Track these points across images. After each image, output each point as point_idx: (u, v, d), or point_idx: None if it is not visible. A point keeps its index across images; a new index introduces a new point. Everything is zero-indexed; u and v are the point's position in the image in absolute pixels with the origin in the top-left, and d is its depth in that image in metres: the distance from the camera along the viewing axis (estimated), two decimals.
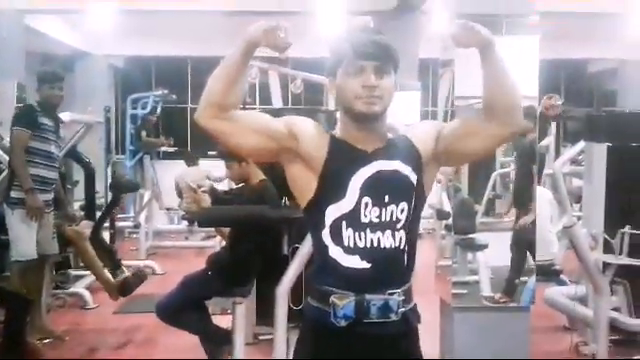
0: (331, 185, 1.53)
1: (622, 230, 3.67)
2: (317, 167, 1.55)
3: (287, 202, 3.89)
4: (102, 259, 4.46)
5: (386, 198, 1.53)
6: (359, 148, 1.57)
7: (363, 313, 1.50)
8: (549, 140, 7.58)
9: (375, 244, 1.51)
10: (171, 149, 9.28)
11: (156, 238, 7.94)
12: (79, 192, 6.43)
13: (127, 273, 4.43)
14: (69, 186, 6.06)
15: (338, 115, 1.72)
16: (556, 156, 6.67)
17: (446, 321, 3.65)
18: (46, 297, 4.29)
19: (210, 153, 8.09)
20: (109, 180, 8.08)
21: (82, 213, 5.73)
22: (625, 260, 3.61)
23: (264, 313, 4.00)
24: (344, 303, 1.49)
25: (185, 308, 3.52)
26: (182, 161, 8.35)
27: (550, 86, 11.26)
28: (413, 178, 1.57)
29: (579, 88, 12.13)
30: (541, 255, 4.16)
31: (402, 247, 1.53)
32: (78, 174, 6.45)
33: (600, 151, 4.05)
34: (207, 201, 3.84)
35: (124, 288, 4.27)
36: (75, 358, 4.04)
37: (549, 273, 4.55)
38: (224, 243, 3.96)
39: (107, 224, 6.17)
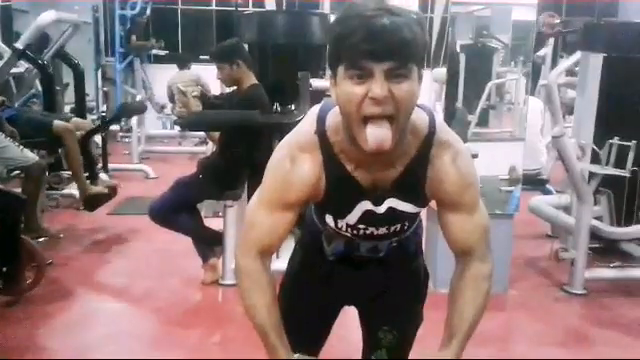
0: (331, 207, 1.40)
1: (610, 141, 3.70)
2: (319, 193, 1.34)
3: (278, 108, 3.88)
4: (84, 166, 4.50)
5: (386, 225, 1.41)
6: (360, 185, 1.31)
7: (353, 249, 1.49)
8: (546, 51, 7.48)
9: (368, 232, 1.42)
10: (162, 52, 9.09)
11: (149, 143, 7.94)
12: (69, 95, 6.37)
13: (100, 188, 4.50)
14: (58, 88, 5.98)
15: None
16: (552, 67, 6.60)
17: (431, 226, 3.74)
18: (40, 198, 4.34)
19: (202, 57, 7.94)
20: (99, 83, 8.02)
21: (72, 116, 5.70)
22: (610, 170, 3.66)
23: None
24: (336, 243, 1.50)
25: (177, 210, 3.59)
26: (173, 65, 8.20)
27: None
28: (416, 211, 1.40)
29: None
30: (529, 164, 4.22)
31: (396, 231, 1.43)
32: (68, 76, 6.37)
33: (596, 61, 4.01)
34: (198, 105, 3.81)
35: (91, 202, 4.36)
36: (66, 256, 4.15)
37: (535, 182, 4.62)
38: (215, 149, 3.98)
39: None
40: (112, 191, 4.72)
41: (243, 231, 1.39)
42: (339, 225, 1.42)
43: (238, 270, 1.39)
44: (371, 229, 1.41)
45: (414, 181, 1.31)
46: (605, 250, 3.98)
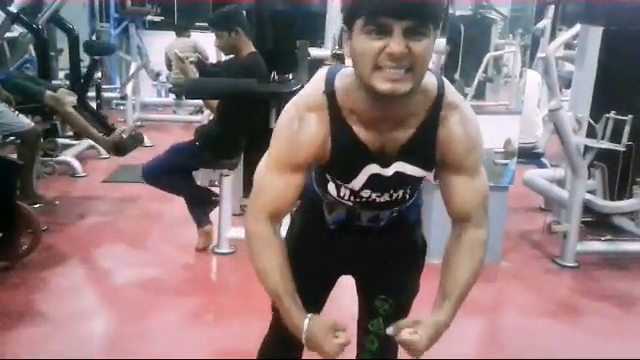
0: (336, 170, 1.38)
1: (607, 115, 3.70)
2: (325, 155, 1.32)
3: (276, 77, 3.85)
4: (93, 126, 4.45)
5: (391, 191, 1.40)
6: (368, 148, 1.30)
7: (354, 218, 1.48)
8: (545, 23, 7.43)
9: (370, 201, 1.42)
10: (157, 18, 8.98)
11: (143, 110, 7.89)
12: (64, 60, 6.31)
13: (124, 135, 4.43)
14: (53, 53, 5.92)
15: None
16: (551, 39, 6.55)
17: (427, 198, 3.76)
18: (35, 164, 4.33)
19: (198, 24, 7.85)
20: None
21: (67, 82, 5.66)
22: (606, 144, 3.68)
23: (251, 186, 4.08)
24: (337, 212, 1.49)
25: (171, 172, 3.56)
26: (169, 32, 8.11)
27: None
28: (422, 175, 1.39)
29: None
30: (525, 138, 4.22)
31: (398, 199, 1.43)
32: (62, 42, 6.29)
33: (595, 35, 3.99)
34: (195, 72, 3.78)
35: (120, 146, 4.27)
36: (61, 223, 4.16)
37: (531, 156, 4.64)
38: (212, 117, 3.96)
39: (93, 94, 6.13)
40: (138, 136, 4.66)
41: (251, 196, 1.38)
42: (341, 194, 1.42)
43: (248, 235, 1.37)
44: (375, 196, 1.39)
45: (424, 143, 1.30)
46: (597, 224, 4.02)
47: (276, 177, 1.33)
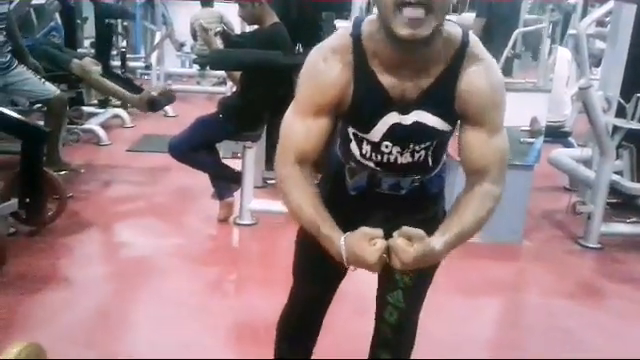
0: (356, 120, 1.40)
1: (638, 95, 3.62)
2: (347, 99, 1.33)
3: (301, 49, 3.82)
4: (123, 89, 4.45)
5: (410, 143, 1.39)
6: (388, 93, 1.30)
7: (375, 185, 1.48)
8: None
9: (392, 161, 1.41)
10: None
11: (168, 81, 7.90)
12: (89, 29, 6.33)
13: (154, 92, 4.42)
14: (79, 21, 5.94)
15: None
16: (583, 16, 6.39)
17: (451, 175, 3.72)
18: (61, 132, 4.37)
19: None
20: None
21: (92, 50, 5.68)
22: (635, 125, 3.60)
23: (273, 158, 4.09)
24: (358, 176, 1.48)
25: (196, 147, 3.60)
26: (194, 2, 8.07)
27: None
28: (444, 128, 1.36)
29: None
30: (552, 116, 4.15)
31: (421, 161, 1.42)
32: (87, 10, 6.31)
33: (629, 12, 3.88)
34: (220, 43, 3.77)
35: (153, 103, 4.24)
36: (86, 190, 4.22)
37: (558, 134, 4.56)
38: (235, 89, 3.96)
39: (119, 64, 6.16)
40: (169, 93, 4.62)
41: (279, 144, 1.38)
42: (363, 151, 1.42)
43: (278, 180, 1.38)
44: (396, 152, 1.39)
45: (444, 92, 1.30)
46: (623, 205, 3.96)
47: (301, 121, 1.34)
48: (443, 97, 1.30)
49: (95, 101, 5.73)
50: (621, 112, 3.73)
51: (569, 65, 4.79)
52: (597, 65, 5.74)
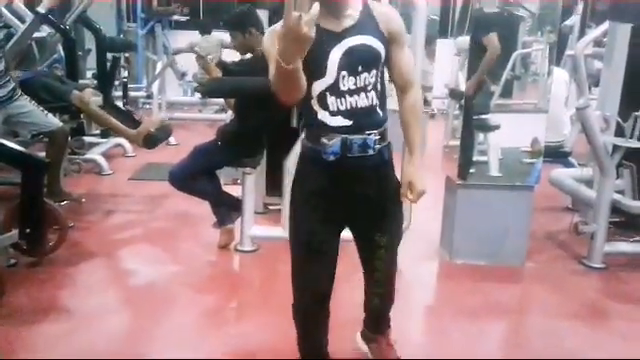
0: (313, 65, 1.76)
1: (636, 113, 3.62)
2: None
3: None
4: (121, 122, 4.47)
5: (359, 68, 1.82)
6: (330, 30, 1.80)
7: (347, 149, 1.86)
8: (574, 20, 7.30)
9: (354, 105, 1.84)
10: (183, 18, 9.04)
11: (169, 109, 7.95)
12: (91, 60, 6.39)
13: (151, 128, 4.42)
14: (80, 53, 6.00)
15: None
16: (580, 37, 6.44)
17: (450, 198, 3.73)
18: (62, 162, 4.39)
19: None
20: None
21: (94, 81, 5.73)
22: (634, 143, 3.60)
23: (274, 184, 4.10)
24: (332, 142, 1.85)
25: (196, 175, 3.61)
26: (195, 31, 8.18)
27: None
28: (380, 48, 1.86)
29: None
30: (552, 136, 4.15)
31: (374, 103, 1.87)
32: (89, 43, 6.38)
33: (624, 32, 3.91)
34: (218, 72, 3.80)
35: (149, 140, 4.28)
36: (87, 220, 4.22)
37: (558, 155, 4.56)
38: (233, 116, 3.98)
39: (120, 93, 6.21)
40: (167, 128, 4.64)
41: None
42: (330, 107, 1.83)
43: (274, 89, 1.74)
44: (351, 85, 1.81)
45: (369, 20, 1.86)
46: (626, 224, 3.94)
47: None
48: (369, 22, 1.85)
49: (97, 131, 5.76)
50: (620, 131, 3.73)
51: (566, 85, 4.81)
52: (596, 85, 5.76)
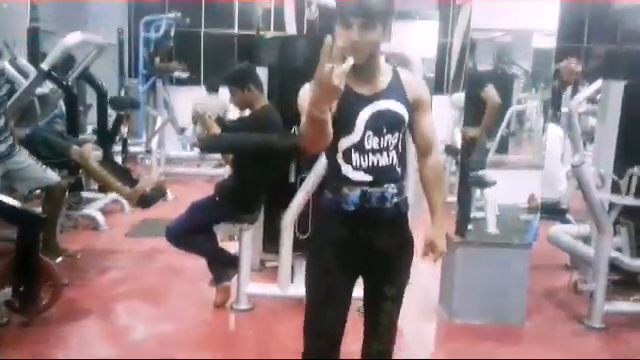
0: (343, 123, 1.91)
1: (631, 170, 3.64)
2: (333, 110, 1.82)
3: (297, 131, 3.89)
4: (118, 179, 4.50)
5: (384, 130, 1.96)
6: (361, 93, 1.95)
7: (366, 201, 1.97)
8: None
9: (375, 163, 1.97)
10: (184, 75, 9.20)
11: (168, 164, 8.00)
12: (92, 115, 6.47)
13: (147, 188, 4.44)
14: (81, 108, 6.08)
15: None
16: (573, 94, 6.55)
17: (448, 255, 3.70)
18: (59, 218, 4.38)
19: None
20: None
21: (95, 137, 5.78)
22: (630, 201, 3.60)
23: (271, 240, 4.08)
24: (352, 193, 1.97)
25: (193, 232, 3.60)
26: (195, 87, 8.30)
27: (574, 22, 10.99)
28: (404, 114, 1.99)
29: (603, 25, 11.77)
30: (548, 193, 4.17)
31: (394, 163, 2.00)
32: (91, 97, 6.47)
33: (617, 89, 3.98)
34: (216, 128, 3.84)
35: (144, 200, 4.29)
36: (82, 277, 4.18)
37: (554, 211, 4.56)
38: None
39: (119, 148, 6.25)
40: (162, 189, 4.67)
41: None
42: (354, 162, 1.95)
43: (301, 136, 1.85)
44: (374, 145, 1.94)
45: (397, 86, 2.00)
46: (625, 283, 3.90)
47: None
48: (397, 88, 2.00)
49: (95, 186, 5.77)
50: (616, 188, 3.74)
51: (562, 142, 4.86)
52: (591, 141, 5.82)
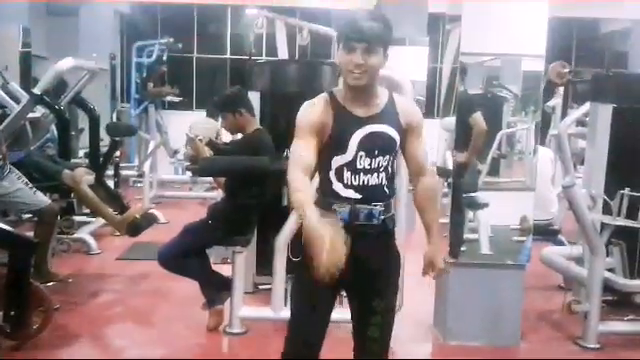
0: (337, 143, 2.02)
1: (622, 191, 3.68)
2: (329, 129, 2.01)
3: (289, 154, 3.91)
4: (109, 204, 4.49)
5: (376, 152, 2.04)
6: (357, 115, 2.05)
7: (355, 217, 2.05)
8: (556, 101, 7.54)
9: (365, 183, 2.05)
10: (176, 99, 9.24)
11: (160, 188, 7.98)
12: (84, 139, 6.46)
13: (137, 215, 4.44)
14: (73, 133, 6.07)
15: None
16: (563, 117, 6.63)
17: (440, 285, 3.70)
18: (51, 242, 4.35)
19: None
20: None
21: (87, 161, 5.77)
22: (622, 221, 3.63)
23: (264, 263, 4.06)
24: (342, 209, 2.05)
25: (186, 255, 3.58)
26: (188, 111, 8.32)
27: (562, 46, 11.15)
28: (396, 137, 2.07)
29: (591, 48, 11.95)
30: (540, 214, 4.19)
31: (383, 183, 2.08)
32: (83, 122, 6.47)
33: (605, 112, 4.03)
34: (208, 151, 3.85)
35: (133, 227, 4.28)
36: (74, 301, 4.14)
37: (547, 233, 4.58)
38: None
39: (112, 172, 6.24)
40: (151, 217, 4.67)
41: (289, 162, 1.99)
42: (345, 180, 2.04)
43: (289, 182, 1.95)
44: (366, 166, 2.03)
45: (391, 111, 2.08)
46: (619, 303, 3.91)
47: (301, 142, 2.00)
48: (392, 114, 2.08)
49: (86, 210, 5.74)
50: (608, 209, 3.77)
51: (552, 164, 4.90)
52: (582, 163, 5.87)
